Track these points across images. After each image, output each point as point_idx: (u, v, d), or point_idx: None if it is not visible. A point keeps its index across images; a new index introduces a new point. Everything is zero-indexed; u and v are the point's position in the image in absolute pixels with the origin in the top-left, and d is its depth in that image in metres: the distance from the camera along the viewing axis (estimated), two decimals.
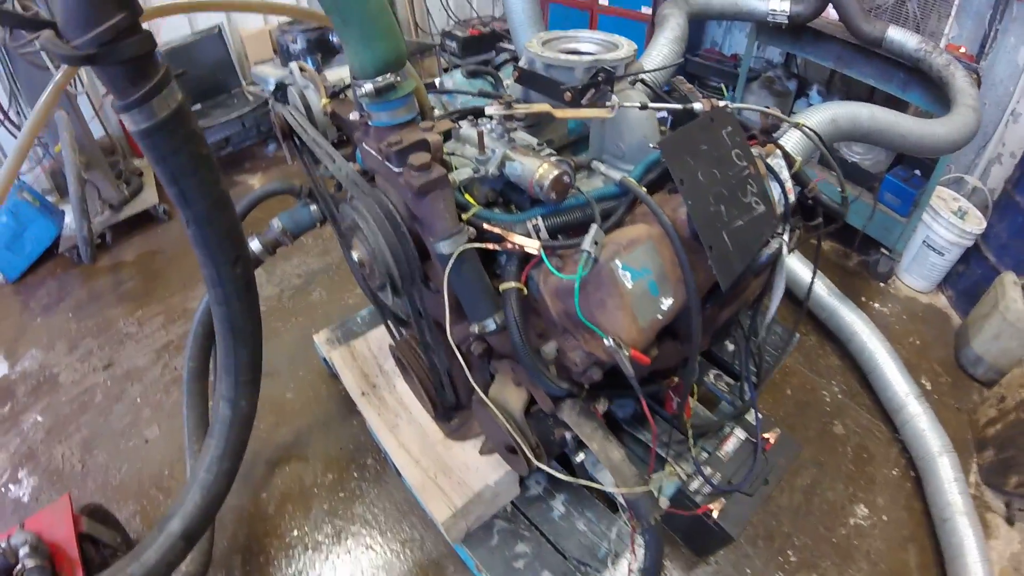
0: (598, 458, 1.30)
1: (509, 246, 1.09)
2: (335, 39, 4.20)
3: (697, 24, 4.46)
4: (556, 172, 1.11)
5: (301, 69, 1.81)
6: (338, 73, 3.99)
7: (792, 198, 1.70)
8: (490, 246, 1.12)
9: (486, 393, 1.59)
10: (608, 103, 1.24)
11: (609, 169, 1.25)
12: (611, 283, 1.09)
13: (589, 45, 1.51)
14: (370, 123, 1.18)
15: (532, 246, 1.06)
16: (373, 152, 1.25)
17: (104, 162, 3.59)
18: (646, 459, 2.21)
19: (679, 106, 1.35)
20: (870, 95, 3.06)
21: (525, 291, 1.17)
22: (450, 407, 1.89)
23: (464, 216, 1.23)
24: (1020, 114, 2.87)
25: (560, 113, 1.21)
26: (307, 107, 1.74)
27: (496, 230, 1.08)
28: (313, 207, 2.09)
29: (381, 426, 2.10)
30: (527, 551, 1.94)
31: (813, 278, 2.39)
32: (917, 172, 2.99)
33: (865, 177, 3.21)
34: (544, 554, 1.93)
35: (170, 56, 3.92)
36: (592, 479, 1.58)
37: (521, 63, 1.53)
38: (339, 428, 2.63)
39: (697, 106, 1.36)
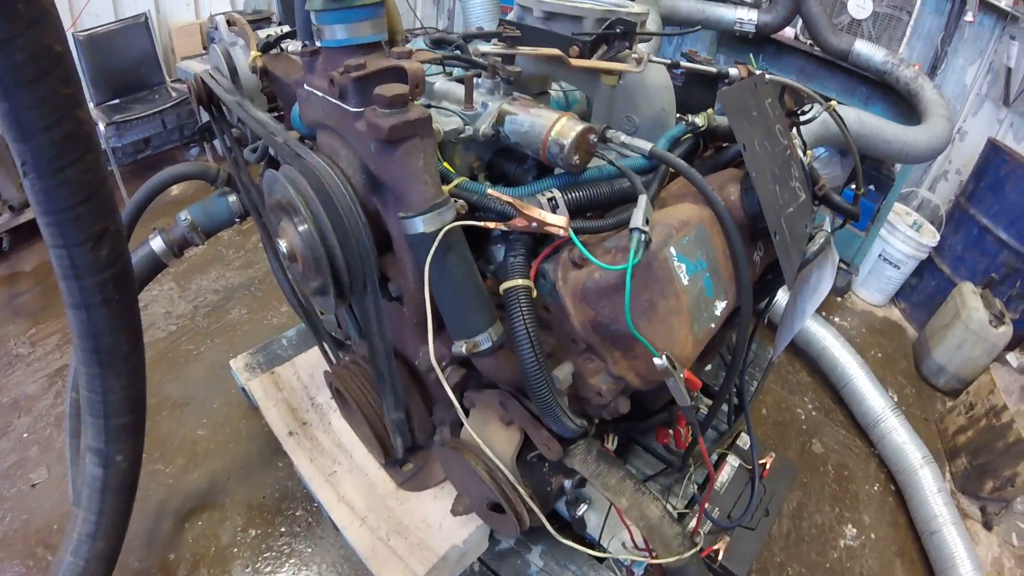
0: (626, 516, 0.99)
1: (522, 225, 0.76)
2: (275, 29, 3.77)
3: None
4: (581, 127, 0.82)
5: (229, 23, 1.42)
6: None
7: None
8: (491, 225, 0.80)
9: (458, 435, 1.25)
10: (635, 56, 0.97)
11: (633, 139, 0.97)
12: (665, 278, 0.79)
13: (590, 3, 1.26)
14: (320, 42, 0.83)
15: (559, 223, 0.75)
16: (318, 92, 0.90)
17: (8, 160, 2.94)
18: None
19: (713, 70, 1.12)
20: None
21: (535, 292, 0.85)
22: (405, 449, 1.51)
23: (445, 187, 0.90)
24: (967, 132, 2.97)
25: (576, 63, 0.92)
26: (232, 68, 1.35)
27: (507, 199, 0.76)
28: (232, 198, 1.67)
29: (315, 474, 1.66)
30: None
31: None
32: (872, 187, 3.01)
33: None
34: None
35: (90, 44, 3.40)
36: (587, 539, 1.27)
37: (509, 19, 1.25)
38: (262, 472, 2.16)
39: (733, 71, 1.15)
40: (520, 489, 1.09)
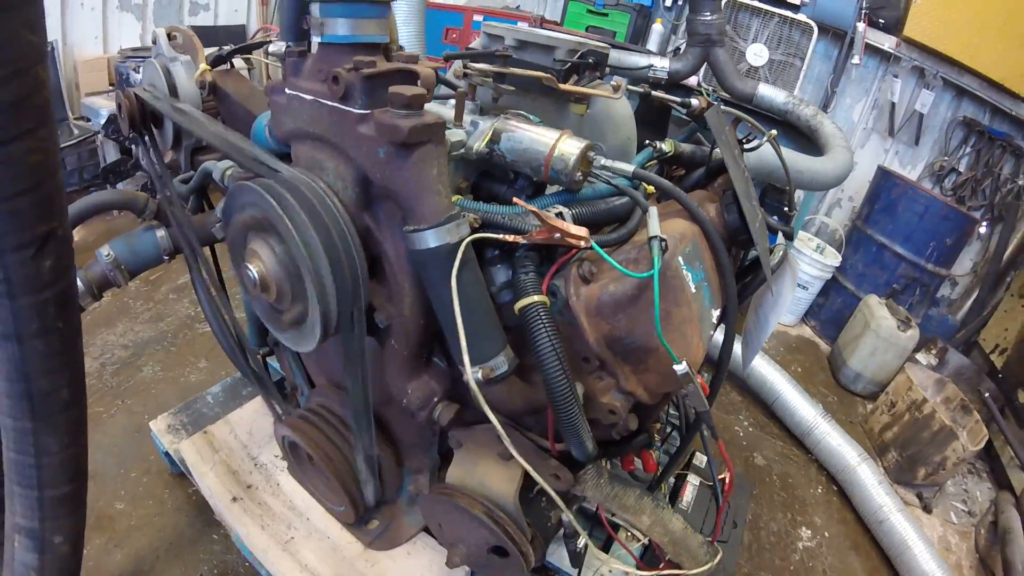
0: (649, 534, 0.95)
1: (542, 238, 0.74)
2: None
3: None
4: (584, 144, 0.83)
5: (170, 36, 1.30)
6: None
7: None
8: (511, 238, 0.76)
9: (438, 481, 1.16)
10: (612, 83, 1.01)
11: (613, 162, 1.00)
12: (678, 287, 0.80)
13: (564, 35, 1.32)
14: (318, 38, 0.78)
15: (582, 234, 0.73)
16: (305, 96, 0.83)
17: None
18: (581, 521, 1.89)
19: (676, 99, 1.19)
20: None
21: (548, 304, 0.82)
22: (371, 505, 1.38)
23: None
24: (857, 163, 3.40)
25: (564, 87, 0.95)
26: (171, 85, 1.23)
27: (532, 208, 0.73)
28: (161, 232, 1.49)
29: (269, 544, 1.46)
30: None
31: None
32: (775, 217, 3.34)
33: None
34: None
35: None
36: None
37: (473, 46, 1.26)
38: (194, 548, 1.86)
39: (694, 101, 1.22)
40: (526, 527, 1.02)
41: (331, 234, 0.82)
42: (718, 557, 0.93)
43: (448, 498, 1.07)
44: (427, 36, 4.14)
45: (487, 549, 1.06)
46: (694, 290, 0.83)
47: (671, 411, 2.45)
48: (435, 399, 1.01)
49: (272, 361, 1.94)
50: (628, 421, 0.92)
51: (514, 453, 0.83)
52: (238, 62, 1.35)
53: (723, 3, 3.01)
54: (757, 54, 2.95)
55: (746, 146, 1.51)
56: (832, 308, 3.34)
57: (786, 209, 1.82)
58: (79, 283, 1.34)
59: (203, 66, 1.16)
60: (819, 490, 2.55)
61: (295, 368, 1.66)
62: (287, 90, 0.86)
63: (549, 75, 0.96)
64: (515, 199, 0.78)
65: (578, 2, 3.72)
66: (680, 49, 3.06)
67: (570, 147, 0.83)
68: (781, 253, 1.24)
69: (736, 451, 2.70)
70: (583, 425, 0.83)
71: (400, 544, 1.47)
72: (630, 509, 0.94)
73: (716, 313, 0.95)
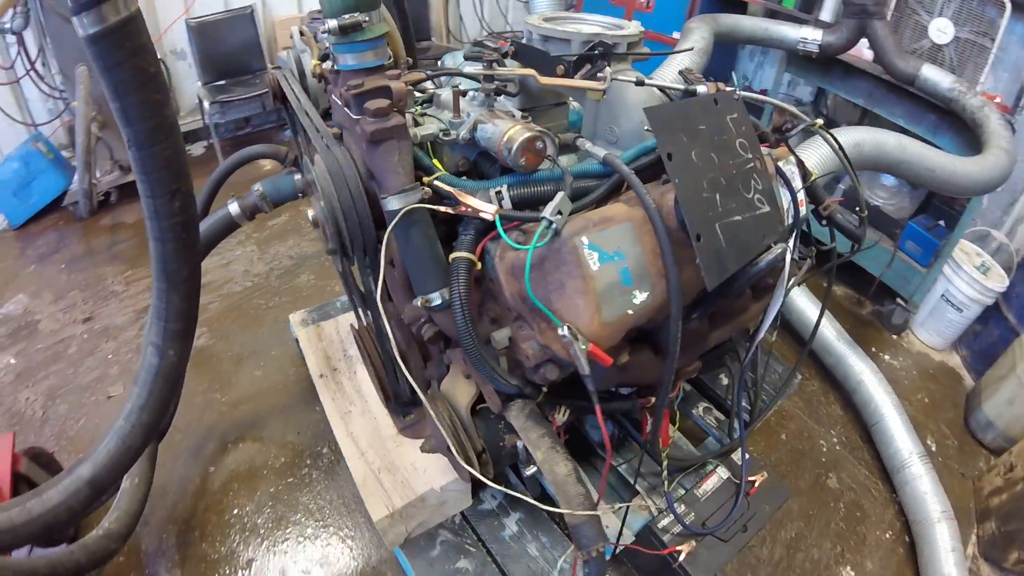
0: (541, 470, 1.14)
1: (463, 210, 0.96)
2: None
3: (728, 56, 4.39)
4: (528, 135, 1.00)
5: (301, 33, 1.74)
6: None
7: (804, 210, 1.57)
8: (442, 208, 1.00)
9: (430, 387, 1.46)
10: (600, 75, 1.12)
11: (594, 147, 1.12)
12: (573, 262, 0.95)
13: (593, 26, 1.42)
14: (336, 66, 1.08)
15: (488, 211, 0.93)
16: (338, 101, 1.15)
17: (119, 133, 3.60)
18: (618, 488, 2.04)
19: (680, 87, 1.23)
20: None
21: (479, 265, 1.04)
22: (405, 401, 1.75)
23: (426, 179, 1.12)
24: None
25: (546, 80, 1.10)
26: (301, 72, 1.67)
27: (448, 188, 0.96)
28: (298, 176, 2.00)
29: (334, 412, 1.97)
30: (469, 569, 1.77)
31: (821, 313, 2.23)
32: (941, 223, 2.83)
33: (886, 223, 3.05)
34: (487, 574, 1.76)
35: (200, 31, 3.98)
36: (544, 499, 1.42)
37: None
38: (300, 413, 2.51)
39: (701, 89, 1.23)
40: (474, 437, 1.28)
41: (344, 189, 1.14)
42: (589, 512, 1.06)
43: (428, 399, 1.37)
44: None
45: (446, 447, 1.35)
46: (595, 268, 0.96)
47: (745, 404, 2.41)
48: (422, 320, 1.29)
49: None
50: (546, 370, 1.10)
51: (471, 370, 1.08)
52: None
53: None
54: (941, 30, 2.47)
55: (788, 135, 1.45)
56: (987, 339, 2.77)
57: (856, 210, 1.68)
58: (237, 207, 1.91)
59: (313, 61, 1.54)
60: (887, 535, 2.26)
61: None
62: (331, 96, 1.19)
63: (532, 72, 1.11)
64: (435, 180, 1.00)
65: None
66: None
67: (514, 136, 1.00)
68: (777, 252, 1.19)
69: (809, 466, 2.53)
70: (482, 359, 1.04)
71: (421, 438, 1.84)
72: (531, 443, 1.12)
73: (643, 295, 1.04)
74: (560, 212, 0.92)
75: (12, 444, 1.72)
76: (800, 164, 1.54)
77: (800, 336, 2.80)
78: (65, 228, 3.62)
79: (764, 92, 4.00)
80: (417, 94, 1.40)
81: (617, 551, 1.86)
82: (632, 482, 1.95)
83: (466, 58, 1.69)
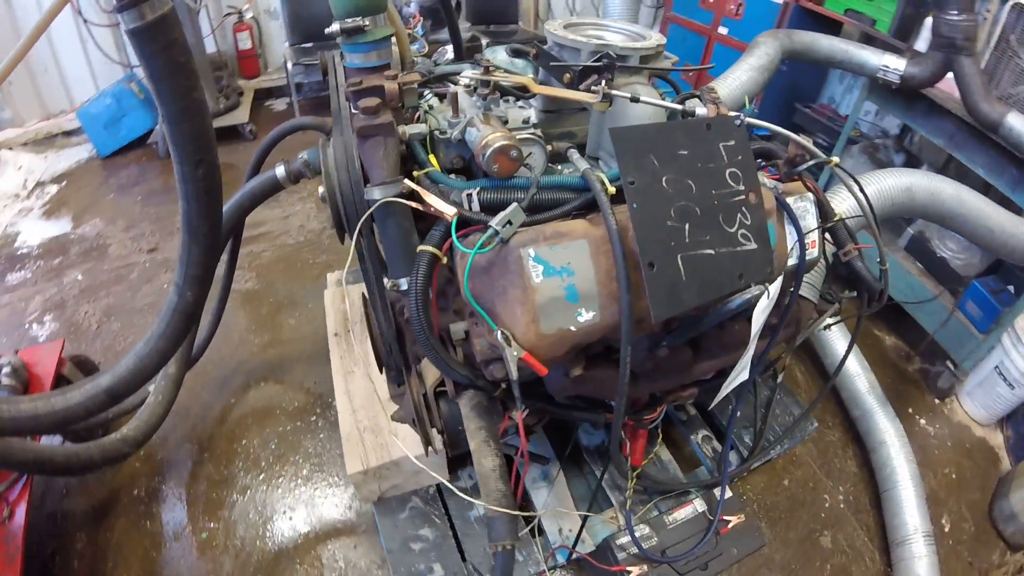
0: (473, 459, 1.21)
1: (429, 208, 1.03)
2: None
3: (819, 76, 4.14)
4: (502, 143, 1.05)
5: None
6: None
7: (815, 253, 1.50)
8: (413, 204, 1.08)
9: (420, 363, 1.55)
10: (595, 88, 1.14)
11: (579, 159, 1.15)
12: (516, 271, 1.00)
13: (615, 35, 1.42)
14: (344, 64, 1.18)
15: (448, 212, 1.00)
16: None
17: (210, 75, 3.95)
18: (599, 499, 2.06)
19: (677, 107, 1.20)
20: (986, 190, 2.66)
21: (444, 260, 1.11)
22: (396, 371, 1.87)
23: (416, 173, 1.20)
24: None
25: (537, 89, 1.14)
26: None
27: (414, 187, 1.03)
28: None
29: (338, 369, 2.13)
30: (429, 537, 1.89)
31: (840, 364, 2.13)
32: (1011, 288, 2.56)
33: (950, 277, 2.80)
34: (445, 548, 1.87)
35: None
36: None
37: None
38: (321, 366, 2.70)
39: (700, 110, 1.20)
40: (435, 416, 1.37)
41: (348, 176, 1.24)
42: (502, 510, 1.11)
43: (406, 373, 1.48)
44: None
45: (412, 418, 1.45)
46: (537, 281, 1.00)
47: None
48: (401, 302, 1.39)
49: None
50: (493, 367, 1.16)
51: (426, 354, 1.16)
52: None
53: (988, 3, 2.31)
54: None
55: (797, 169, 1.39)
56: None
57: (879, 262, 1.59)
58: (283, 171, 2.07)
59: None
60: None
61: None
62: (348, 89, 1.29)
63: (526, 81, 1.15)
64: (406, 180, 1.07)
65: None
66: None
67: (490, 143, 1.05)
68: (753, 294, 1.17)
69: (807, 519, 2.42)
70: (434, 348, 1.12)
71: None
72: (469, 432, 1.19)
73: (589, 315, 1.07)
74: (510, 222, 0.97)
75: (61, 349, 2.01)
76: (821, 202, 1.48)
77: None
78: (147, 164, 4.03)
79: (846, 118, 3.73)
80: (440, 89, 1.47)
81: (572, 556, 1.90)
82: (612, 498, 1.97)
83: (513, 52, 1.75)
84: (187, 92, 1.07)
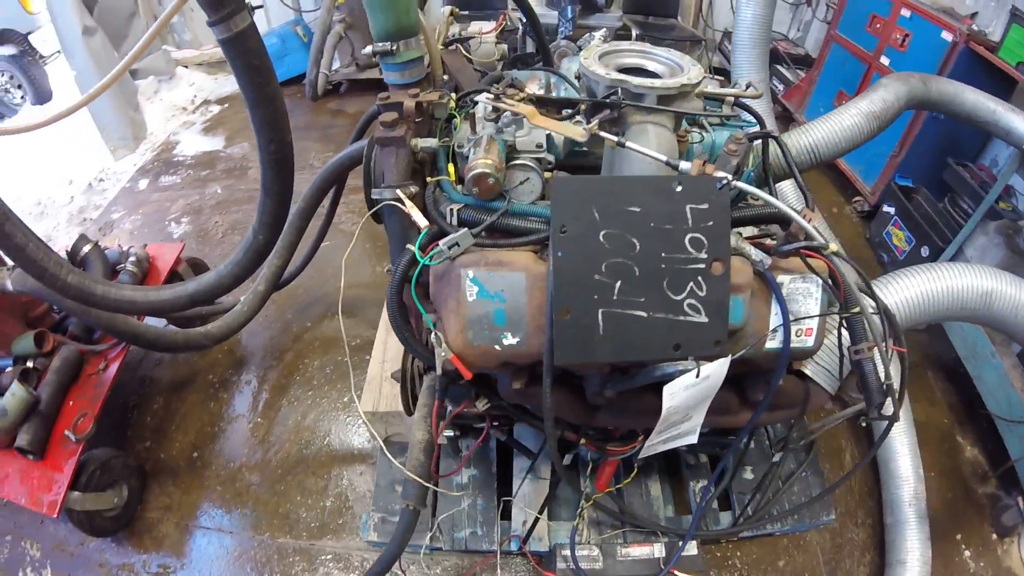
0: (412, 428, 1.43)
1: (408, 218, 1.23)
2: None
3: (983, 133, 3.49)
4: (482, 169, 1.18)
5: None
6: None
7: (810, 341, 1.41)
8: (406, 209, 1.27)
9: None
10: (585, 127, 1.23)
11: None
12: (455, 286, 1.16)
13: (658, 64, 1.41)
14: (386, 79, 1.40)
15: (420, 223, 1.20)
16: None
17: (366, 27, 4.44)
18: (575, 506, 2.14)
19: (661, 158, 1.16)
20: None
21: (420, 260, 1.29)
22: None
23: (429, 180, 1.39)
24: None
25: (533, 119, 1.24)
26: None
27: (400, 194, 1.24)
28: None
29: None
30: None
31: (858, 465, 1.95)
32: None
33: None
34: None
35: None
36: None
37: None
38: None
39: (684, 165, 1.16)
40: (415, 384, 1.62)
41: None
42: (417, 478, 1.31)
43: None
44: (853, 17, 4.03)
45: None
46: (472, 299, 1.14)
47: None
48: None
49: None
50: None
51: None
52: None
53: None
54: None
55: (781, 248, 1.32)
56: None
57: (884, 378, 1.42)
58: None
59: (439, 47, 1.85)
60: None
61: None
62: (377, 103, 1.49)
63: (529, 110, 1.25)
64: (397, 189, 1.26)
65: None
66: None
67: (473, 167, 1.18)
68: (689, 369, 1.16)
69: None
70: (401, 327, 1.31)
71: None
72: (417, 406, 1.41)
73: (514, 340, 1.17)
74: (457, 244, 1.13)
75: (180, 251, 2.52)
76: (833, 286, 1.36)
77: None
78: (298, 101, 4.58)
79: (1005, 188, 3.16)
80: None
81: (525, 548, 2.03)
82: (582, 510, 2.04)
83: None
84: (262, 87, 1.36)
